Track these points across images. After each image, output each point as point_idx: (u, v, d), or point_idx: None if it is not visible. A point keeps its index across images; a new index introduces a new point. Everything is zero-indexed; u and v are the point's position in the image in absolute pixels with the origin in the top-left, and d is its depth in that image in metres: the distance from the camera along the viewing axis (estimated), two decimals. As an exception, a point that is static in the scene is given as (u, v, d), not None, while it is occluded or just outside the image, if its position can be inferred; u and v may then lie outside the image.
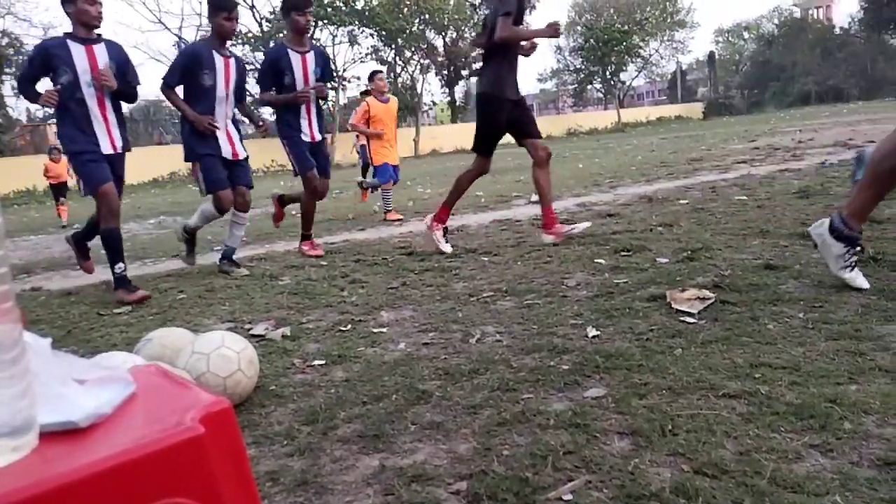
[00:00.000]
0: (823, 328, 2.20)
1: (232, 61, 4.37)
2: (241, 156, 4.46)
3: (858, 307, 2.37)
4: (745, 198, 5.43)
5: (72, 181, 12.32)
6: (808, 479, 1.35)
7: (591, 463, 1.50)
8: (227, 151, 4.35)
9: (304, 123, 4.74)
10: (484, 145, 4.44)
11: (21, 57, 30.40)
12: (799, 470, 1.39)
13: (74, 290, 4.46)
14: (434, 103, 41.08)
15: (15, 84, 30.90)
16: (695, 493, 1.33)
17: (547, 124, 36.47)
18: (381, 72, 7.56)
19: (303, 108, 4.72)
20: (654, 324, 2.45)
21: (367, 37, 30.09)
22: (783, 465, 1.40)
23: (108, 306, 3.78)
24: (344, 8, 27.77)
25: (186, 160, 4.40)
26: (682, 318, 2.47)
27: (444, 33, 35.65)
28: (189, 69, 4.21)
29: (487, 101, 4.37)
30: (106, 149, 3.86)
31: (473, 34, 37.17)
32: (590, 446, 1.58)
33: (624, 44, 38.82)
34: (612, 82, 42.27)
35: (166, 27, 31.39)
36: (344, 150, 27.12)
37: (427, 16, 31.42)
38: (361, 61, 29.40)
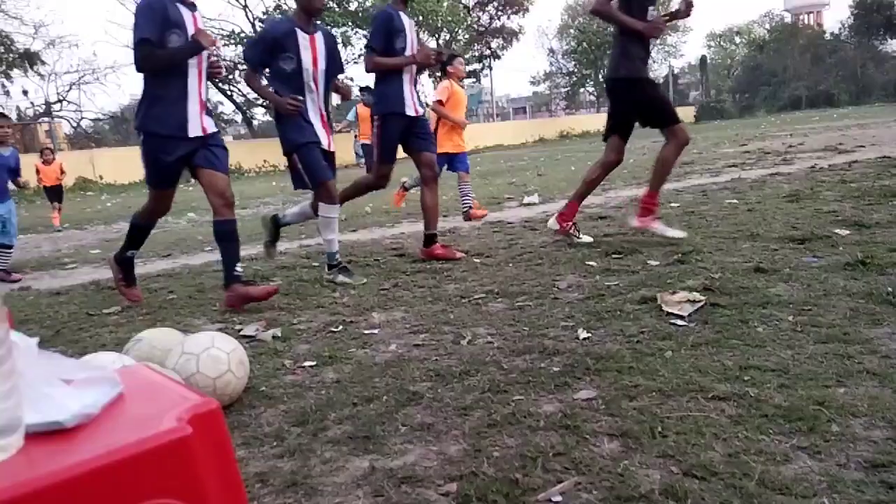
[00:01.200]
0: (812, 331, 2.21)
1: (319, 38, 3.79)
2: (332, 148, 3.97)
3: (847, 310, 2.38)
4: (735, 201, 5.46)
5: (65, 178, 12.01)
6: (796, 480, 1.36)
7: (581, 464, 1.50)
8: (324, 142, 3.86)
9: (407, 97, 4.22)
10: (666, 114, 4.05)
11: (12, 56, 30.17)
12: (787, 472, 1.39)
13: (63, 290, 4.43)
14: (427, 105, 41.09)
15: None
16: (684, 494, 1.33)
17: (539, 127, 36.57)
18: (459, 56, 7.18)
19: (406, 80, 4.23)
20: (644, 326, 2.46)
21: (360, 38, 30.08)
22: (771, 467, 1.41)
23: (97, 306, 3.76)
24: (337, 9, 27.77)
25: (285, 153, 3.87)
26: (672, 321, 2.48)
27: (437, 35, 35.67)
28: (267, 52, 3.72)
29: (628, 85, 4.03)
30: (195, 130, 3.31)
31: (466, 36, 37.21)
32: (580, 448, 1.58)
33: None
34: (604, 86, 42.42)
35: (158, 26, 31.05)
36: (337, 152, 27.10)
37: (420, 17, 31.44)
38: (355, 62, 29.25)
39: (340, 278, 3.83)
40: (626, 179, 8.55)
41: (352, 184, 4.59)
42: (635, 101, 4.06)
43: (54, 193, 10.89)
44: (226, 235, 3.39)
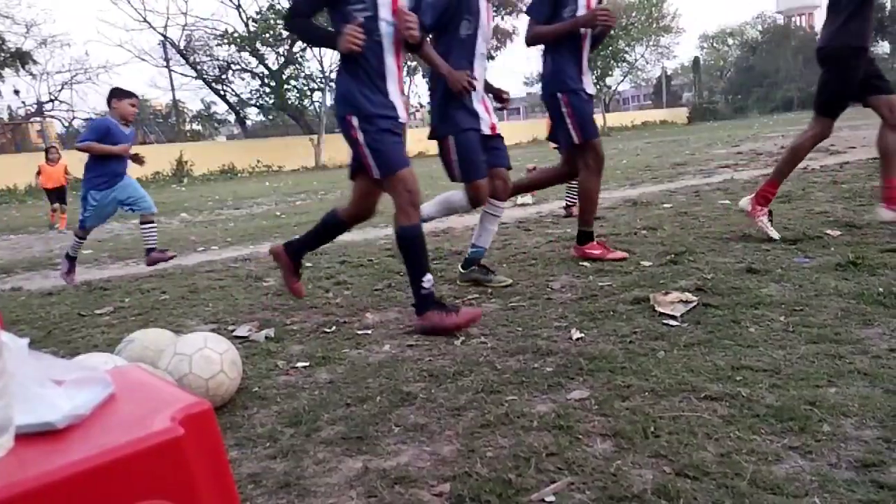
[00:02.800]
0: (803, 332, 2.22)
1: (489, 4, 3.34)
2: (498, 128, 3.44)
3: (838, 311, 2.40)
4: (728, 202, 5.48)
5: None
6: (788, 480, 1.36)
7: (574, 464, 1.51)
8: (486, 124, 3.33)
9: (582, 72, 3.64)
10: (832, 107, 3.73)
11: (3, 55, 30.00)
12: (778, 471, 1.40)
13: (55, 291, 4.41)
14: (421, 105, 41.08)
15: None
16: (676, 494, 1.34)
17: (533, 127, 36.59)
18: None
19: (582, 50, 3.61)
20: (637, 326, 2.47)
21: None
22: (763, 467, 1.42)
23: (89, 307, 3.74)
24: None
25: (435, 136, 3.32)
26: (664, 321, 2.49)
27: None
28: (448, 11, 3.15)
29: (849, 55, 3.59)
30: (402, 115, 2.81)
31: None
32: (573, 448, 1.58)
33: (609, 48, 39.07)
34: (598, 87, 42.53)
35: (151, 26, 31.02)
36: (330, 152, 27.07)
37: (414, 18, 31.41)
38: (347, 62, 29.13)
39: (497, 279, 3.42)
40: (620, 180, 8.58)
41: (541, 172, 4.03)
42: (855, 72, 3.63)
43: (57, 195, 10.01)
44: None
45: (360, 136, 2.72)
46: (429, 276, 2.73)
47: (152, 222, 4.74)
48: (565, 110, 3.62)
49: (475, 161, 3.26)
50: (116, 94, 4.74)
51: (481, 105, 3.32)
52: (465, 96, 3.19)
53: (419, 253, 2.74)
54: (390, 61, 2.75)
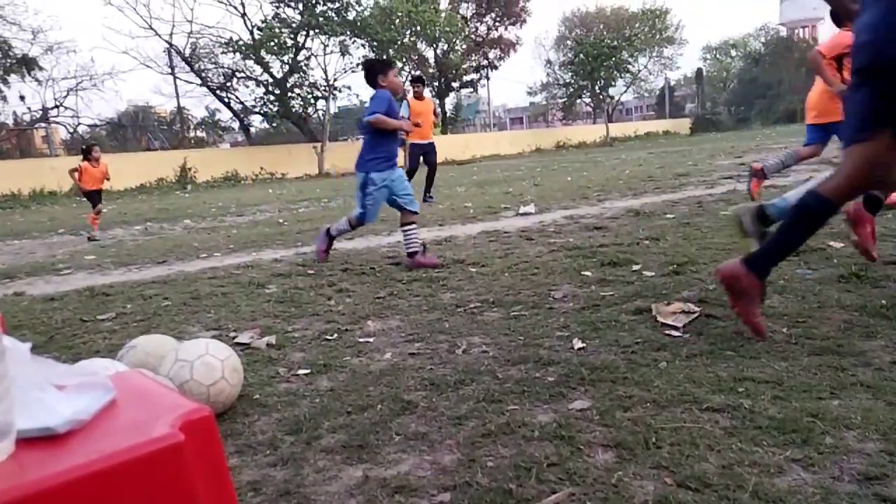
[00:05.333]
0: (806, 343, 2.22)
1: None
2: None
3: (841, 323, 2.39)
4: (730, 213, 5.48)
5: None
6: (790, 493, 1.36)
7: (575, 475, 1.50)
8: None
9: None
10: None
11: (9, 61, 30.16)
12: (781, 484, 1.39)
13: (57, 296, 4.41)
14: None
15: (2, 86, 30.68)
16: (677, 506, 1.33)
17: (536, 137, 36.71)
18: None
19: None
20: (639, 337, 2.46)
21: (358, 47, 30.16)
22: (765, 479, 1.41)
23: (91, 312, 3.74)
24: (336, 18, 27.84)
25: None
26: (667, 332, 2.48)
27: (435, 45, 35.82)
28: None
29: None
30: None
31: (464, 47, 37.38)
32: (574, 459, 1.58)
33: (613, 59, 39.14)
34: (601, 97, 42.56)
35: (157, 33, 31.09)
36: (333, 159, 27.13)
37: (418, 28, 31.58)
38: (353, 71, 29.30)
39: None
40: (623, 191, 8.58)
41: None
42: None
43: (99, 197, 9.21)
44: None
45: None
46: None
47: (414, 223, 4.39)
48: None
49: None
50: (380, 68, 4.33)
51: None
52: None
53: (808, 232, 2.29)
54: None
